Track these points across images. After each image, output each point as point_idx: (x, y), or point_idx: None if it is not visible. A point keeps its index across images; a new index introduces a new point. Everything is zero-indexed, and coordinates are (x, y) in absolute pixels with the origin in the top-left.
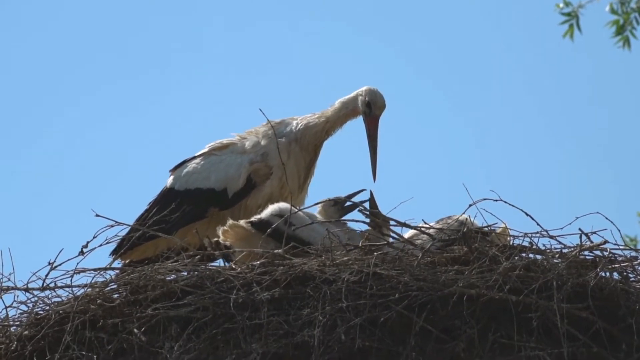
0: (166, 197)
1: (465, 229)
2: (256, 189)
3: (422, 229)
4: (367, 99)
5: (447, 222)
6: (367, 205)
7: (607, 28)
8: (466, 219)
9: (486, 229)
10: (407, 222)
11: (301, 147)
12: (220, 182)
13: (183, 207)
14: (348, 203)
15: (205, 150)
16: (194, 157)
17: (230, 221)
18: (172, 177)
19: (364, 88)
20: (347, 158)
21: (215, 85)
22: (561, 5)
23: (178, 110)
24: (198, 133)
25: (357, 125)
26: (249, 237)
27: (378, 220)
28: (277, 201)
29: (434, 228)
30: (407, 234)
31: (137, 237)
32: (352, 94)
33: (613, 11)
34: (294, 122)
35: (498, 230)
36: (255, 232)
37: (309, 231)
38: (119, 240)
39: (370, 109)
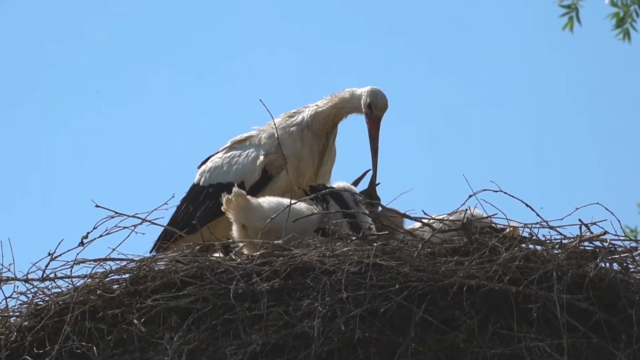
0: (193, 193)
1: (465, 219)
2: (272, 181)
3: (423, 220)
4: (368, 100)
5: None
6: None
7: (607, 20)
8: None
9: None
10: (406, 213)
11: (314, 133)
12: (238, 175)
13: (206, 203)
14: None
15: (227, 144)
16: (217, 152)
17: (236, 188)
18: (198, 172)
19: (367, 88)
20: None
21: (225, 88)
22: None
23: (182, 108)
24: (204, 129)
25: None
26: (249, 210)
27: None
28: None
29: (434, 219)
30: (411, 226)
31: (166, 235)
32: (359, 91)
33: (613, 3)
34: (307, 110)
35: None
36: (255, 206)
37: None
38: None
39: (372, 110)
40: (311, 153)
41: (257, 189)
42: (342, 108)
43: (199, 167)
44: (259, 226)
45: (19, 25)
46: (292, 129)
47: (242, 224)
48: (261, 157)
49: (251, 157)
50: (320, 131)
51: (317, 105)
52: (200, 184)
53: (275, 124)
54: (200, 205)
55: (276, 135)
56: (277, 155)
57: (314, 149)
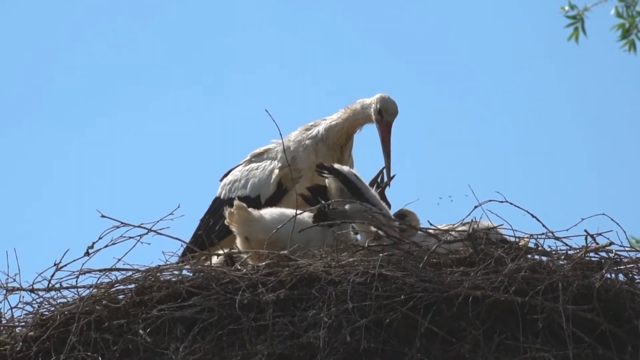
0: (214, 206)
1: (471, 229)
2: (287, 194)
3: (429, 230)
4: (378, 106)
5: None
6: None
7: (612, 32)
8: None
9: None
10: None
11: (328, 147)
12: (254, 189)
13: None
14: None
15: (247, 157)
16: (238, 165)
17: (237, 201)
18: (220, 186)
19: (376, 96)
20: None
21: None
22: (566, 8)
23: (190, 119)
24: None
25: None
26: (251, 222)
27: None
28: None
29: (440, 230)
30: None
31: (193, 246)
32: (368, 101)
33: (618, 15)
34: (322, 123)
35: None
36: (257, 218)
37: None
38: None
39: (382, 116)
40: None
41: (272, 202)
42: (355, 120)
43: (221, 179)
44: (261, 238)
45: (29, 33)
46: (307, 142)
47: (245, 236)
48: (276, 171)
49: (267, 170)
50: (335, 144)
51: (331, 119)
52: (221, 197)
53: (282, 138)
54: (220, 219)
55: (283, 148)
56: (292, 169)
57: (328, 162)
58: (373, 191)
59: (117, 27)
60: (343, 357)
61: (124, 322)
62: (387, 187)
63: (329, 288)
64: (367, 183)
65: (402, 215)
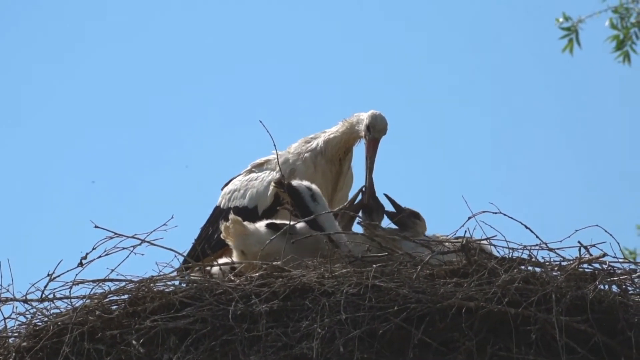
0: (215, 214)
1: (464, 240)
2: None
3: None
4: (367, 121)
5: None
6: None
7: (607, 43)
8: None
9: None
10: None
11: (327, 159)
12: (252, 200)
13: None
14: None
15: (248, 167)
16: (239, 175)
17: (232, 215)
18: (220, 195)
19: (369, 112)
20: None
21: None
22: (561, 19)
23: (184, 129)
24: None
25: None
26: (246, 236)
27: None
28: None
29: (435, 240)
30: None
31: (189, 258)
32: (363, 115)
33: (613, 26)
34: (322, 136)
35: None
36: (252, 232)
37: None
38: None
39: (370, 131)
40: (324, 179)
41: (270, 214)
42: (352, 133)
43: (222, 188)
44: (256, 251)
45: (25, 33)
46: (306, 155)
47: (241, 250)
48: (273, 182)
49: (265, 181)
50: (333, 157)
51: (330, 131)
52: (221, 206)
53: (276, 150)
54: (218, 228)
55: (277, 161)
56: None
57: (327, 175)
58: (326, 213)
59: (114, 31)
60: None
61: (117, 333)
62: (365, 203)
63: (323, 299)
64: (326, 202)
65: (415, 213)
